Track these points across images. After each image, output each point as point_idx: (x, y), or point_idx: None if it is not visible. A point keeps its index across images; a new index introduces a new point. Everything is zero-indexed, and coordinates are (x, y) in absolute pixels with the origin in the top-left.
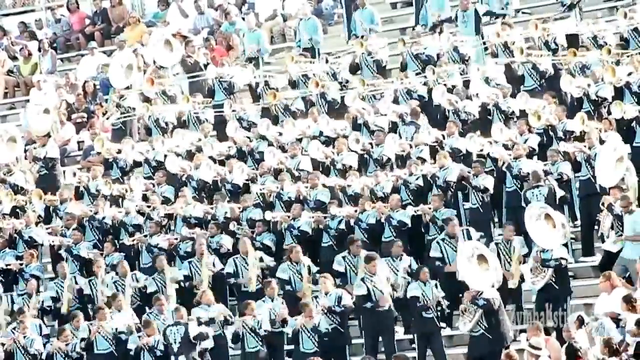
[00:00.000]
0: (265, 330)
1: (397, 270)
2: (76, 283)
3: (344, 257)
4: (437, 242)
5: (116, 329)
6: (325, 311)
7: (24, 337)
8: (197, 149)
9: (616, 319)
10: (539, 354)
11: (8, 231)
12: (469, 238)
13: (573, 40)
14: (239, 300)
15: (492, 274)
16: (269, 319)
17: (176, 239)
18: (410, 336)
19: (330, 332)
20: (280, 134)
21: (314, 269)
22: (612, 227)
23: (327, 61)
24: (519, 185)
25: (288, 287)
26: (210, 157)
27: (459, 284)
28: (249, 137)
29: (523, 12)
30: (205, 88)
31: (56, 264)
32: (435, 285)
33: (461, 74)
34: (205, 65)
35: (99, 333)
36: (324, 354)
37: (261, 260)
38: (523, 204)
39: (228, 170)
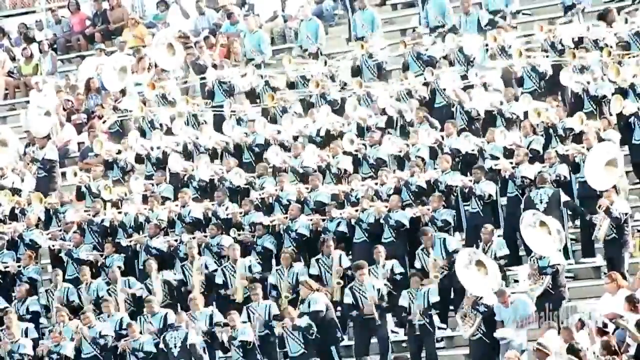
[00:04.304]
0: (240, 341)
1: (377, 276)
2: (66, 292)
3: (317, 260)
4: (417, 254)
5: (99, 332)
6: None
7: (11, 342)
8: (194, 145)
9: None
10: (547, 352)
11: (9, 234)
12: (445, 247)
13: (576, 43)
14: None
15: (491, 279)
16: (251, 326)
17: (175, 240)
18: None
19: (312, 333)
20: (279, 132)
21: (302, 277)
22: (610, 229)
23: (325, 63)
24: (520, 192)
25: (274, 293)
26: (207, 150)
27: (448, 285)
28: (245, 133)
29: (524, 14)
30: (205, 90)
31: (55, 266)
32: (428, 290)
33: (463, 78)
34: (215, 66)
35: (84, 337)
36: (311, 356)
37: (250, 270)
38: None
39: (226, 169)
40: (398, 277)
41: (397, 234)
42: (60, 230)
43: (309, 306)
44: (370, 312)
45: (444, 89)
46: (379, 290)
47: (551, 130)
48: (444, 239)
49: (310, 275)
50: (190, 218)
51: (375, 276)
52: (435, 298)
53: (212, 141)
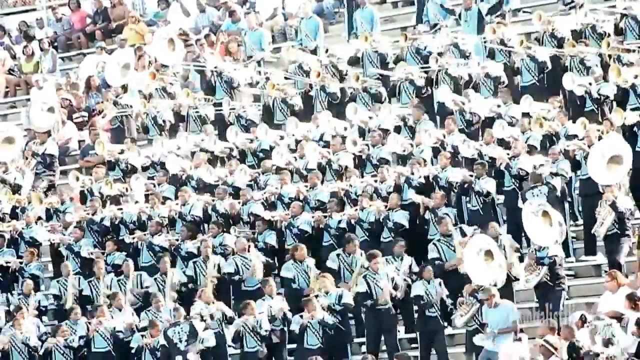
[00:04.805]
0: (266, 330)
1: (398, 270)
2: (79, 283)
3: (338, 255)
4: (434, 244)
5: (114, 327)
6: (326, 310)
7: (20, 333)
8: (200, 149)
9: (618, 318)
10: (554, 351)
11: (9, 232)
12: (463, 235)
13: (574, 35)
14: (237, 300)
15: (496, 271)
16: (268, 317)
17: (177, 239)
18: (411, 335)
19: (333, 330)
20: (282, 137)
21: (315, 270)
22: (613, 224)
23: (327, 51)
24: (517, 185)
25: (294, 286)
26: (212, 154)
27: (461, 281)
28: (249, 139)
29: (524, 12)
30: (204, 83)
31: (56, 263)
32: (440, 283)
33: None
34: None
35: (97, 331)
36: (326, 351)
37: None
38: (521, 205)
39: (229, 172)
40: (414, 277)
41: (396, 234)
42: (60, 227)
43: (339, 299)
44: (385, 302)
45: (443, 103)
46: (392, 279)
47: (554, 138)
48: (461, 227)
49: (329, 269)
50: (191, 216)
51: (396, 270)
52: (446, 291)
53: (217, 147)
